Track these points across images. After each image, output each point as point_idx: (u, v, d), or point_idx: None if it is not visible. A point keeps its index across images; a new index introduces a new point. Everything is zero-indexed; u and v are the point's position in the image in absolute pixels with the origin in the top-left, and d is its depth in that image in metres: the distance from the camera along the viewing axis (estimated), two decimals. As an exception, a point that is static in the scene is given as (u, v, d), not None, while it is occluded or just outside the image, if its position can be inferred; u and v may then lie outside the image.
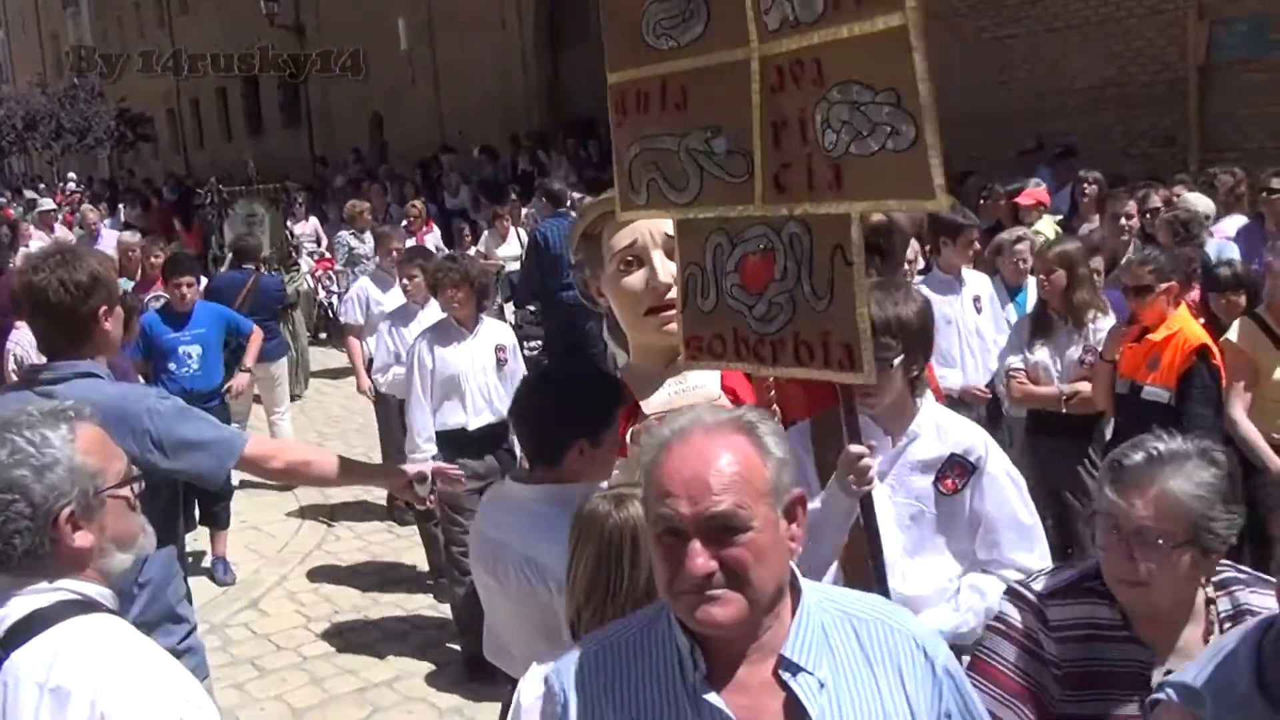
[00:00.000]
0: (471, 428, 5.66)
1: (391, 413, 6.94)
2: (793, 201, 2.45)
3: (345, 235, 12.08)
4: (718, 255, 2.66)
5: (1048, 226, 7.76)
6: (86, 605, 1.97)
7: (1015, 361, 5.29)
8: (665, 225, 3.05)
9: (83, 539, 2.00)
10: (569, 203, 10.06)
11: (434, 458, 5.09)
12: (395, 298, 7.35)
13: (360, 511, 7.95)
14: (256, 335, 7.29)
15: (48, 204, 17.69)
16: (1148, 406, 4.43)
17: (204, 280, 8.19)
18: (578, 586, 2.21)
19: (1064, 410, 5.08)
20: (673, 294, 3.02)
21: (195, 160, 36.14)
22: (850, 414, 2.61)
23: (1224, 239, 7.00)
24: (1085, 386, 5.04)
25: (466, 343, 5.73)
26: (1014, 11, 12.74)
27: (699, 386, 3.09)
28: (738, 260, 2.61)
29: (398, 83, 24.24)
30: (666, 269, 3.06)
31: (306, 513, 7.97)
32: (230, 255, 9.75)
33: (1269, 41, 10.27)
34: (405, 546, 7.14)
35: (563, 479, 2.74)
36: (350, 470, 3.54)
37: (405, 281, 6.77)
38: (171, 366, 6.67)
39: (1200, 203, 6.96)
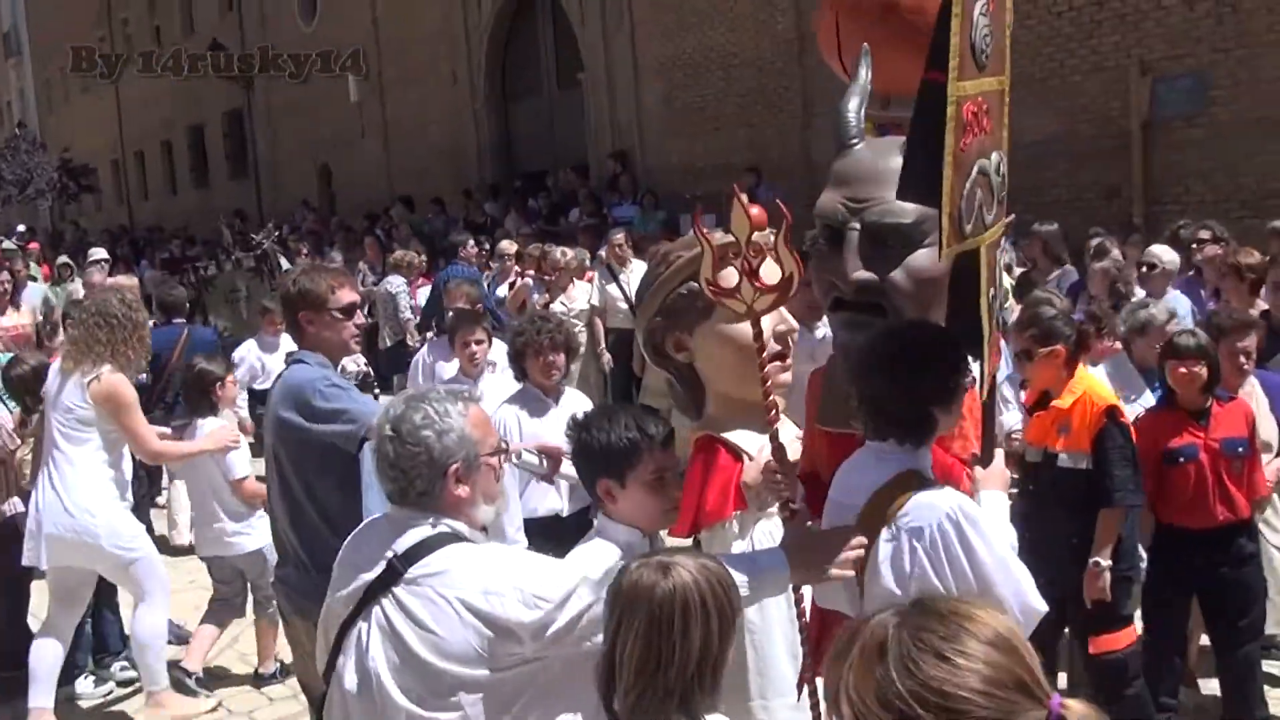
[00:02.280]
0: (567, 513, 4.88)
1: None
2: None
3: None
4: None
5: (1005, 280, 7.84)
6: (459, 538, 2.54)
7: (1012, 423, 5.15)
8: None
9: (462, 490, 2.57)
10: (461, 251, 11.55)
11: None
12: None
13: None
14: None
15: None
16: (1064, 473, 4.35)
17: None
18: (626, 663, 2.10)
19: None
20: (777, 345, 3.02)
21: (139, 212, 35.78)
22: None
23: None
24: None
25: (553, 413, 4.88)
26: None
27: (798, 439, 3.05)
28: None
29: (347, 134, 24.21)
30: (785, 315, 3.06)
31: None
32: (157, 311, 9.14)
33: (1208, 97, 10.53)
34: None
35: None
36: None
37: (474, 348, 5.71)
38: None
39: (1166, 254, 7.05)
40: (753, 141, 15.43)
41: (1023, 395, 5.05)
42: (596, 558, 2.63)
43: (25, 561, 5.20)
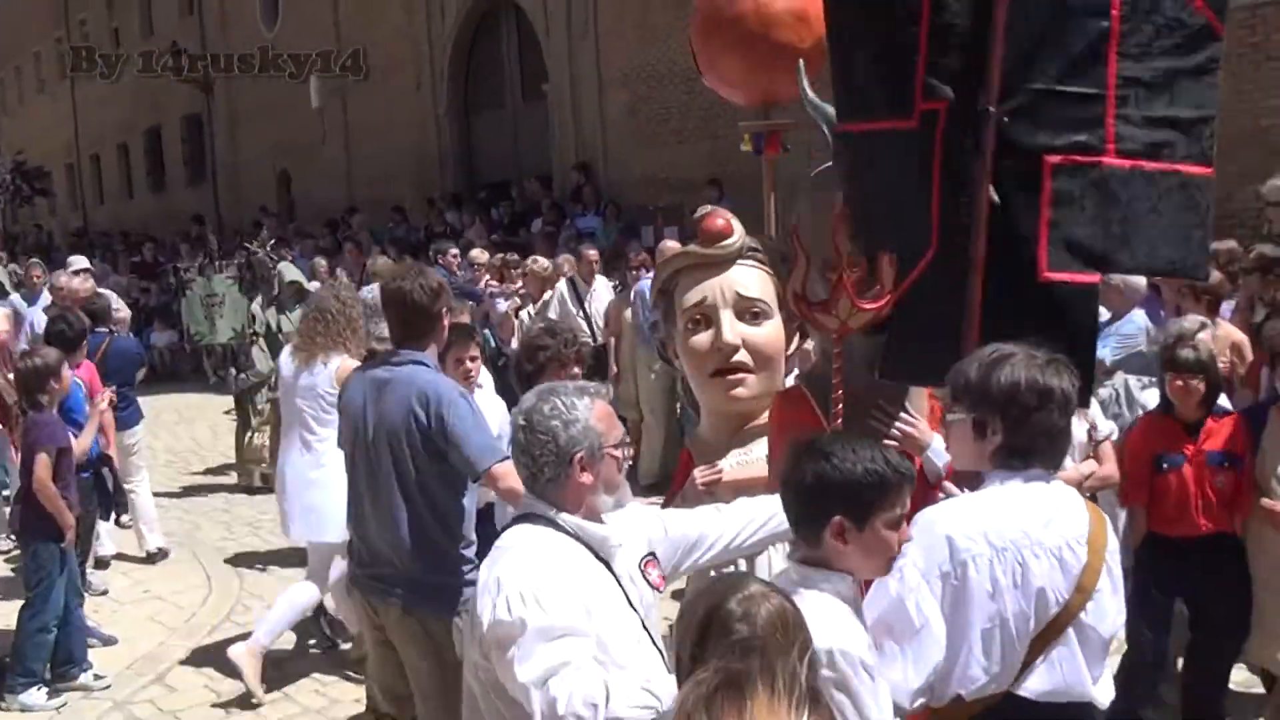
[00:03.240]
0: None
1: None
2: None
3: None
4: None
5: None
6: (542, 520, 2.75)
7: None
8: (737, 283, 3.08)
9: (586, 478, 2.75)
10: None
11: None
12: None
13: (272, 581, 7.70)
14: (100, 401, 6.96)
15: None
16: None
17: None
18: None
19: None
20: (740, 356, 3.03)
21: (94, 216, 35.31)
22: None
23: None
24: (1089, 466, 4.81)
25: None
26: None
27: (762, 458, 3.06)
28: None
29: (308, 140, 24.03)
30: (735, 329, 3.05)
31: (215, 582, 7.69)
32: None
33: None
34: (318, 616, 6.91)
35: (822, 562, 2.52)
36: None
37: (469, 365, 5.41)
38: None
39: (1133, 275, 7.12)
40: (715, 154, 15.46)
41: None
42: (839, 617, 2.44)
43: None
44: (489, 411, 5.29)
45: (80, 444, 6.27)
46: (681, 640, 2.13)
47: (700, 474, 2.95)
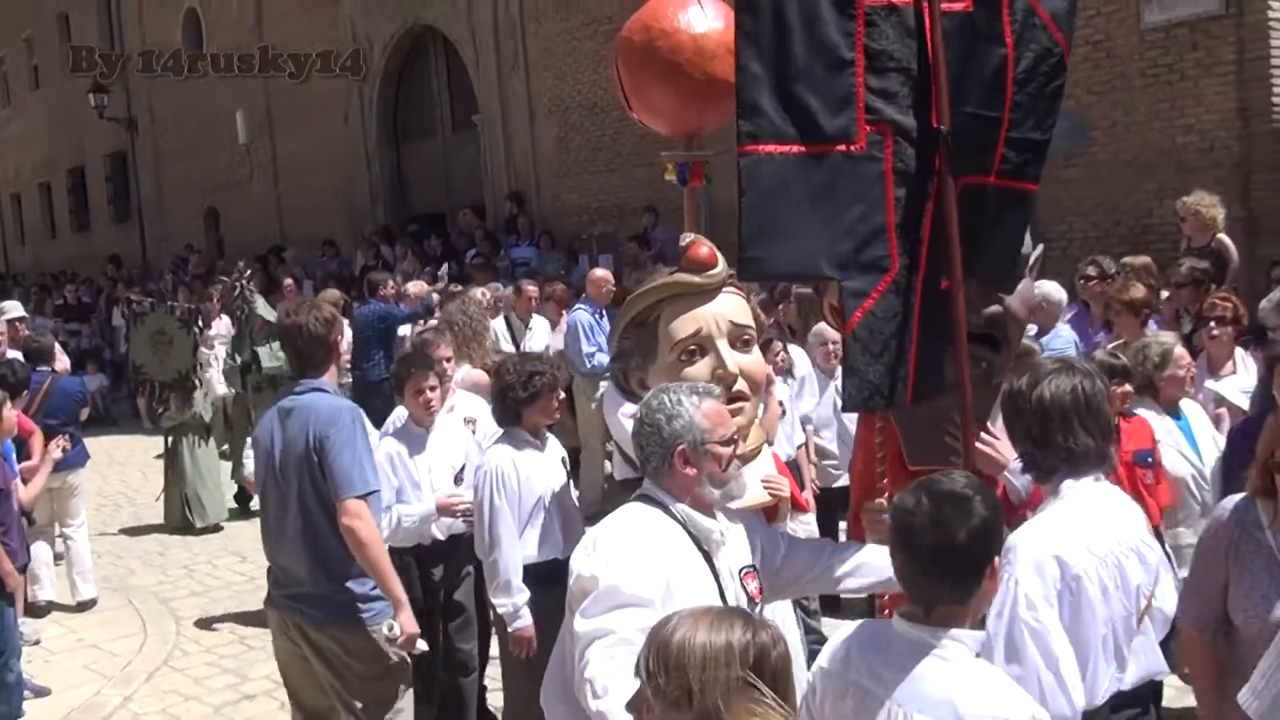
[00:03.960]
0: (564, 556, 4.52)
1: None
2: None
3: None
4: None
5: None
6: (653, 502, 2.95)
7: None
8: (731, 313, 3.09)
9: (689, 470, 2.92)
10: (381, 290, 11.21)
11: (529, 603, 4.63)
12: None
13: (208, 623, 7.56)
14: (37, 440, 6.85)
15: None
16: None
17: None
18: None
19: None
20: (739, 386, 3.04)
21: (16, 258, 34.57)
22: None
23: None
24: None
25: (545, 456, 4.82)
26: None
27: (769, 482, 3.15)
28: None
29: (235, 176, 23.76)
30: (734, 359, 3.06)
31: (150, 627, 7.53)
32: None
33: (1088, 137, 10.91)
34: (258, 659, 6.79)
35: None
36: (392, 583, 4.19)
37: (429, 394, 5.27)
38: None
39: (1055, 291, 7.26)
40: (651, 181, 15.52)
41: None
42: (1004, 687, 2.42)
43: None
44: (449, 442, 5.29)
45: (29, 491, 6.14)
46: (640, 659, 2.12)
47: None
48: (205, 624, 7.56)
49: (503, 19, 17.34)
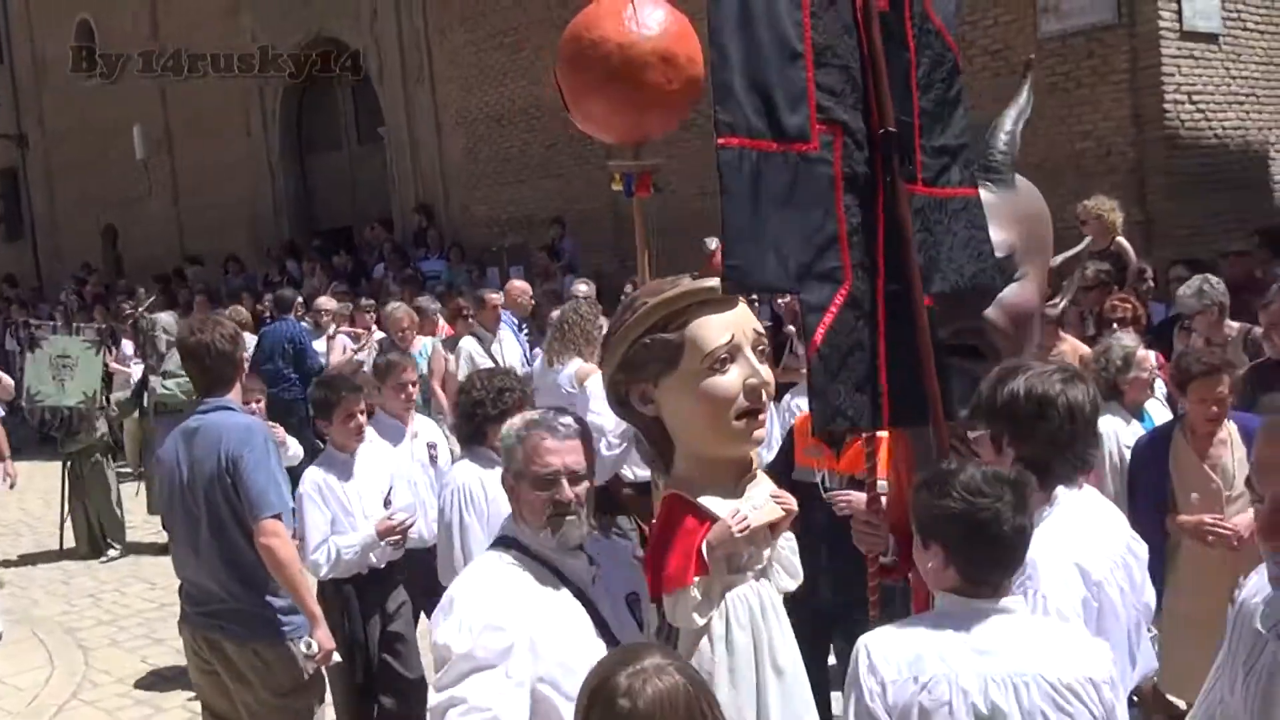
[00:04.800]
0: None
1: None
2: None
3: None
4: None
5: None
6: (513, 544, 2.81)
7: None
8: (754, 321, 2.91)
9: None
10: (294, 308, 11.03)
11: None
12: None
13: (120, 654, 7.34)
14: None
15: None
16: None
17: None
18: None
19: None
20: (764, 396, 2.87)
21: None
22: None
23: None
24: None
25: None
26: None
27: (774, 497, 2.93)
28: None
29: (133, 192, 23.17)
30: (764, 368, 2.89)
31: (58, 659, 7.29)
32: None
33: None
34: (172, 688, 6.61)
35: None
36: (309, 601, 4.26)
37: (360, 419, 5.14)
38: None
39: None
40: (561, 192, 15.52)
41: None
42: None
43: None
44: (373, 465, 5.17)
45: None
46: (576, 706, 2.07)
47: (736, 522, 2.77)
48: (115, 654, 7.33)
49: (407, 31, 17.20)
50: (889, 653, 2.42)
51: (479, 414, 4.59)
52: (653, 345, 2.87)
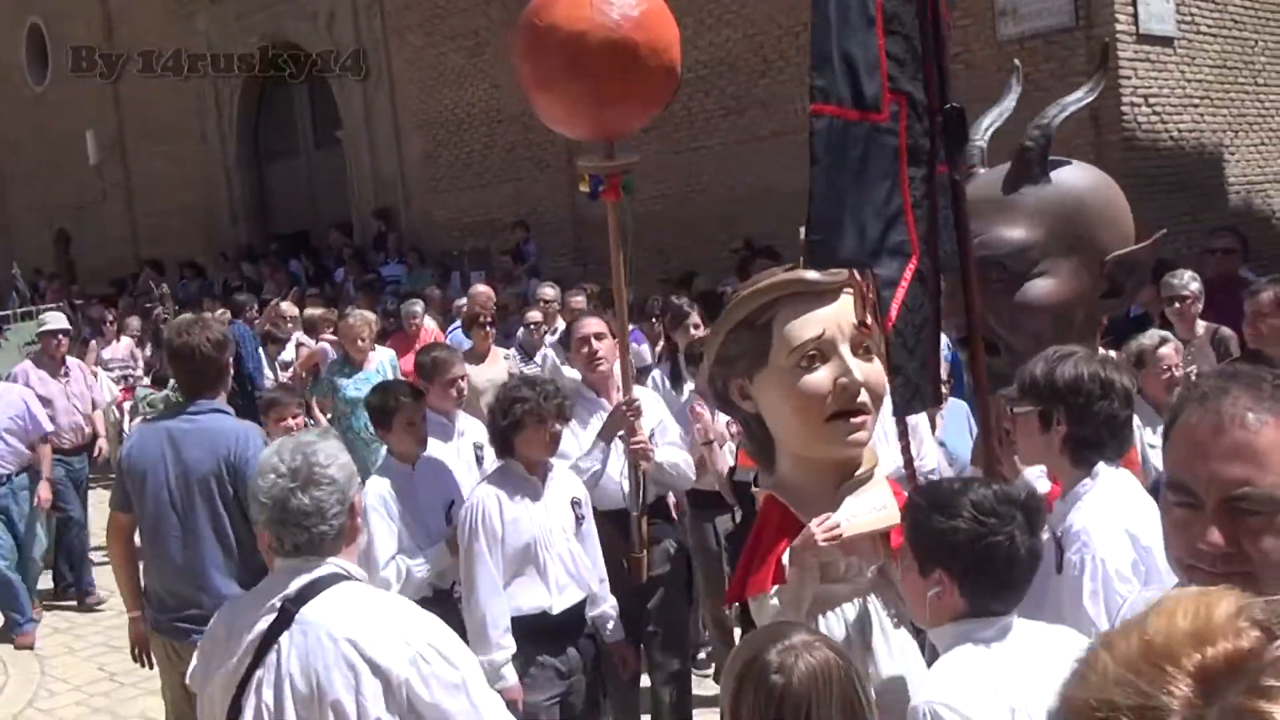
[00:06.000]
0: (556, 610, 4.20)
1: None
2: None
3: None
4: None
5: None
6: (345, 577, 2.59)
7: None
8: (851, 315, 2.75)
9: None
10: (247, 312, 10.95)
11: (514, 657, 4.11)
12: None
13: (77, 662, 7.21)
14: None
15: None
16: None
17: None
18: None
19: None
20: (862, 397, 2.71)
21: None
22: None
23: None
24: None
25: (547, 497, 4.22)
26: (716, 124, 13.39)
27: (885, 507, 2.75)
28: None
29: (87, 198, 22.88)
30: (859, 367, 2.72)
31: (13, 669, 7.14)
32: None
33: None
34: (130, 696, 6.50)
35: None
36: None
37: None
38: None
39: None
40: (521, 196, 15.48)
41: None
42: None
43: None
44: (438, 474, 4.88)
45: None
46: (723, 689, 2.02)
47: (822, 528, 2.59)
48: (71, 661, 7.20)
49: (366, 34, 17.09)
50: (967, 707, 2.16)
51: (495, 425, 4.23)
52: (741, 338, 2.76)
